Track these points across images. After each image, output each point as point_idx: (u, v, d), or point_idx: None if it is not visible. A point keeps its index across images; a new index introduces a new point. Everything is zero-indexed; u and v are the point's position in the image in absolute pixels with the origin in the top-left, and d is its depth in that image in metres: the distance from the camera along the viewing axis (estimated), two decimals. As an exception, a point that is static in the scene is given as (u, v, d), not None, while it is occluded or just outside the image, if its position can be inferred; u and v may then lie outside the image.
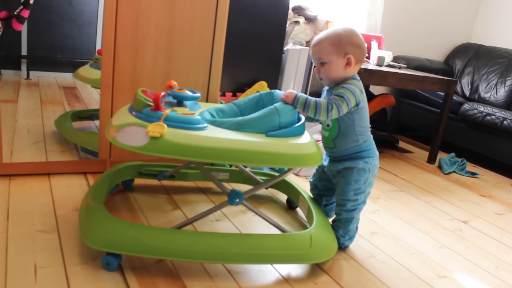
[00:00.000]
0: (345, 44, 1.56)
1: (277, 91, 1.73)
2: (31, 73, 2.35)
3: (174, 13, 2.03)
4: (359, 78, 1.62)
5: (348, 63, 1.58)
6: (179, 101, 1.58)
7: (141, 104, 1.41)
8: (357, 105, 1.57)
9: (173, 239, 1.36)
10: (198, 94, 1.60)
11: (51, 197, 1.79)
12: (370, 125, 1.68)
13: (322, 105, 1.50)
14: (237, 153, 1.34)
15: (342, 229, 1.69)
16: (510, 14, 4.09)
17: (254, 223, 1.83)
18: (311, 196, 1.89)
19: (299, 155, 1.42)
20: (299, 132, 1.52)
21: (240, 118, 1.49)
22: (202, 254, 1.35)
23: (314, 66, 1.65)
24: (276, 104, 1.50)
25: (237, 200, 1.51)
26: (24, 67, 2.32)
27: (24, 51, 2.29)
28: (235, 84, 2.94)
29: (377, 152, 1.70)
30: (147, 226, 1.62)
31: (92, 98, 2.49)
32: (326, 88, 1.70)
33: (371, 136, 1.68)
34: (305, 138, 1.51)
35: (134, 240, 1.34)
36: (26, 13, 2.17)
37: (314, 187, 1.86)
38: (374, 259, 1.71)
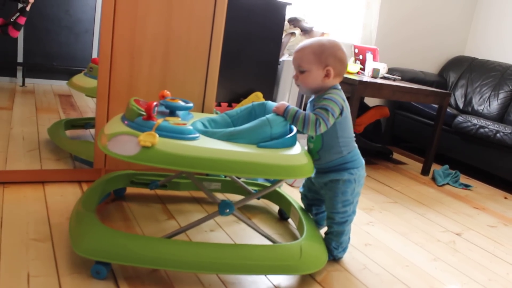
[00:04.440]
0: (327, 55, 1.56)
1: (269, 102, 1.74)
2: (27, 80, 2.36)
3: (171, 23, 2.04)
4: (340, 87, 1.62)
5: (327, 75, 1.57)
6: (172, 111, 1.58)
7: (133, 114, 1.42)
8: (341, 114, 1.56)
9: (163, 249, 1.36)
10: (191, 104, 1.61)
11: (45, 206, 1.79)
12: (354, 135, 1.68)
13: (310, 120, 1.50)
14: (228, 163, 1.34)
15: (335, 241, 1.69)
16: (504, 28, 4.13)
17: (248, 234, 1.83)
18: (302, 206, 1.89)
19: (290, 166, 1.42)
20: (291, 144, 1.52)
21: (232, 128, 1.50)
22: (192, 264, 1.35)
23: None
24: (268, 115, 1.51)
25: (228, 210, 1.51)
26: (19, 74, 2.33)
27: (20, 58, 2.30)
28: (230, 94, 2.95)
29: (363, 161, 1.69)
30: (137, 235, 1.61)
31: (87, 106, 2.50)
32: (310, 99, 1.70)
33: (356, 146, 1.68)
34: (296, 149, 1.51)
35: (123, 249, 1.34)
36: (22, 20, 2.18)
37: (304, 197, 1.86)
38: (367, 271, 1.71)
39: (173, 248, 1.37)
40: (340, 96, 1.57)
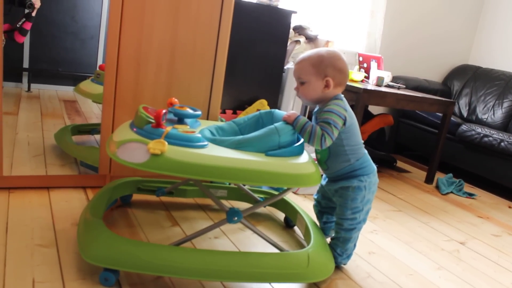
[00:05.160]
0: (326, 66, 1.57)
1: (277, 110, 1.74)
2: (32, 85, 2.36)
3: (177, 31, 2.05)
4: (342, 97, 1.62)
5: (326, 86, 1.58)
6: (180, 119, 1.59)
7: (142, 121, 1.43)
8: (344, 124, 1.57)
9: (171, 256, 1.36)
10: (199, 112, 1.62)
11: (50, 211, 1.80)
12: (363, 142, 1.68)
13: (316, 134, 1.50)
14: (237, 171, 1.35)
15: (340, 247, 1.69)
16: (508, 37, 4.14)
17: (253, 241, 1.83)
18: (310, 214, 1.89)
19: (298, 175, 1.43)
20: (298, 152, 1.53)
21: (240, 137, 1.50)
22: (199, 271, 1.35)
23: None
24: (276, 124, 1.51)
25: (236, 218, 1.51)
26: (25, 79, 2.33)
27: (26, 64, 2.31)
28: (235, 101, 2.96)
29: (374, 168, 1.69)
30: (145, 242, 1.62)
31: (92, 112, 2.50)
32: (315, 110, 1.70)
33: (365, 152, 1.68)
34: (304, 158, 1.52)
35: (132, 256, 1.34)
36: (28, 26, 2.19)
37: (317, 203, 1.86)
38: (371, 280, 1.71)
39: (183, 256, 1.37)
40: (341, 106, 1.56)
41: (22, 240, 1.54)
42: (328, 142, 1.52)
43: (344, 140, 1.59)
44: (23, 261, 1.42)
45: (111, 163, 2.10)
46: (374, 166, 1.69)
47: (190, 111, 1.59)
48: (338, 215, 1.68)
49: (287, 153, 1.48)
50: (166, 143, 1.33)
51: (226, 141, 1.48)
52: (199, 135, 1.44)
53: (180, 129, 1.44)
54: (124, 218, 1.85)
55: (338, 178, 1.66)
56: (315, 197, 1.87)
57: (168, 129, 1.39)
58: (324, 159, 1.65)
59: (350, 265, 1.78)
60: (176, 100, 1.66)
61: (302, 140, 1.58)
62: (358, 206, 1.64)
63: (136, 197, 2.06)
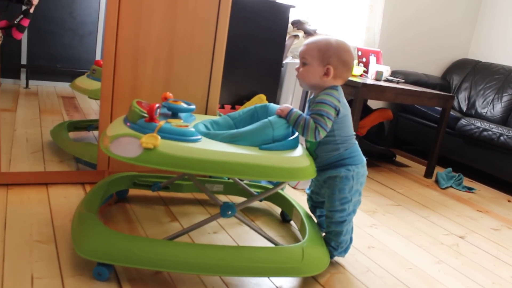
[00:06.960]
0: (331, 55, 1.56)
1: (272, 104, 1.73)
2: (30, 82, 2.36)
3: (175, 26, 2.05)
4: (338, 87, 1.60)
5: (326, 74, 1.56)
6: (174, 113, 1.58)
7: (136, 115, 1.42)
8: (337, 114, 1.55)
9: (164, 250, 1.36)
10: (193, 106, 1.61)
11: (49, 207, 1.80)
12: (354, 133, 1.67)
13: (310, 127, 1.50)
14: (230, 165, 1.34)
15: (334, 241, 1.68)
16: (508, 31, 4.12)
17: (251, 235, 1.83)
18: (305, 208, 1.89)
19: (292, 169, 1.42)
20: (293, 146, 1.52)
21: (234, 130, 1.50)
22: (195, 265, 1.35)
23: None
24: (270, 118, 1.51)
25: (230, 212, 1.51)
26: (23, 76, 2.33)
27: (24, 60, 2.30)
28: (234, 96, 2.96)
29: (363, 159, 1.67)
30: (139, 236, 1.61)
31: (90, 108, 2.50)
32: (310, 98, 1.70)
33: (355, 143, 1.66)
34: (298, 151, 1.51)
35: (125, 250, 1.34)
36: (26, 22, 2.19)
37: (309, 198, 1.85)
38: (371, 274, 1.71)
39: (176, 250, 1.37)
40: (334, 96, 1.55)
41: (20, 236, 1.54)
42: (322, 134, 1.51)
43: (336, 131, 1.58)
44: (21, 257, 1.42)
45: (110, 159, 2.09)
46: (363, 158, 1.67)
47: (184, 105, 1.59)
48: (327, 208, 1.67)
49: (281, 146, 1.47)
50: (159, 137, 1.33)
51: (220, 135, 1.48)
52: (192, 129, 1.43)
53: (174, 123, 1.43)
54: (122, 213, 1.85)
55: (326, 167, 1.64)
56: (307, 191, 1.86)
57: (161, 123, 1.38)
58: (313, 148, 1.64)
59: (349, 259, 1.78)
60: (170, 94, 1.65)
61: (296, 133, 1.57)
62: (346, 196, 1.62)
63: (135, 192, 2.06)
